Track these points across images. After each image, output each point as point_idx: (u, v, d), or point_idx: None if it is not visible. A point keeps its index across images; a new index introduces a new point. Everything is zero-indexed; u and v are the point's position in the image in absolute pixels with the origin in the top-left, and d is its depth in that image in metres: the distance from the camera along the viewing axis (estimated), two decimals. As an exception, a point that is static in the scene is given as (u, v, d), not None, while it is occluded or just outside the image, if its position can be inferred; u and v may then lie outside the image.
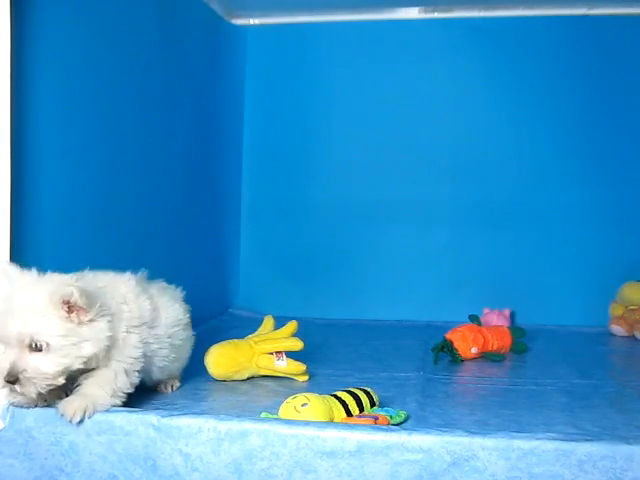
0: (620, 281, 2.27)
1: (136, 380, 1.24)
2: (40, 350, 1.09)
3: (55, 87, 1.39)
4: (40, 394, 1.12)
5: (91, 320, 1.12)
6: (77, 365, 1.12)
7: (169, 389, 1.44)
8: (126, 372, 1.21)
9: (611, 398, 1.46)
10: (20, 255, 1.25)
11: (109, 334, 1.15)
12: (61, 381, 1.12)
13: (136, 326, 1.23)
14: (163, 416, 1.16)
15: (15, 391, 1.10)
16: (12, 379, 1.08)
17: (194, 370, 1.61)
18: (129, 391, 1.22)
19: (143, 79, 1.80)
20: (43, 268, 1.33)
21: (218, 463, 1.13)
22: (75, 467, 1.17)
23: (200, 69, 2.22)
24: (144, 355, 1.24)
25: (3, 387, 1.10)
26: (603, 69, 2.36)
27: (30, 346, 1.09)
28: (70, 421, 1.13)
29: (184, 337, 1.41)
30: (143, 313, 1.25)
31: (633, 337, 2.18)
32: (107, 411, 1.18)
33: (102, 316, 1.14)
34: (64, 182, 1.43)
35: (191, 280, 2.18)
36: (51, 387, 1.12)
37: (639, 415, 1.32)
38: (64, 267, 1.41)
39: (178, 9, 2.02)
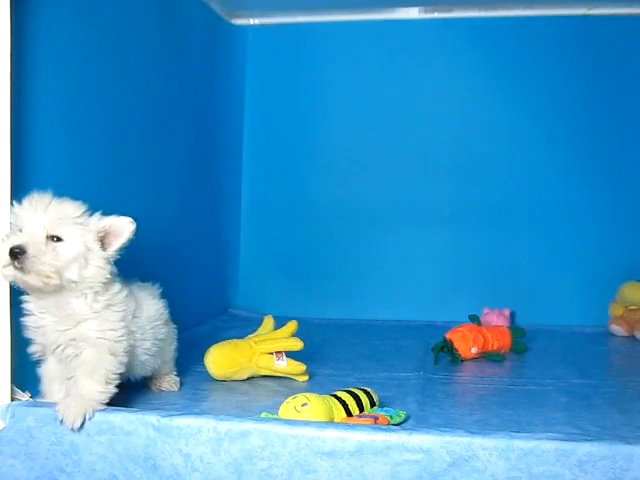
0: (620, 281, 2.27)
1: (124, 359, 1.24)
2: (56, 242, 1.16)
3: (54, 88, 1.39)
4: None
5: (106, 257, 1.21)
6: (73, 275, 1.17)
7: (172, 386, 1.47)
8: (111, 352, 1.22)
9: (611, 398, 1.46)
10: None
11: (107, 277, 1.21)
12: (55, 280, 1.15)
13: (119, 305, 1.25)
14: (163, 416, 1.16)
15: (15, 268, 1.12)
16: (19, 250, 1.11)
17: (194, 370, 1.61)
18: (120, 371, 1.24)
19: (143, 79, 1.80)
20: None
21: (218, 463, 1.13)
22: (76, 467, 1.17)
23: (200, 69, 2.22)
24: (128, 343, 1.26)
25: (6, 265, 1.13)
26: (603, 69, 2.36)
27: (50, 236, 1.15)
28: (72, 428, 1.15)
29: (166, 332, 1.42)
30: (129, 301, 1.28)
31: (633, 337, 2.18)
32: (107, 411, 1.18)
33: (110, 264, 1.23)
34: (63, 181, 1.43)
35: (191, 280, 2.19)
36: (45, 279, 1.14)
37: (639, 415, 1.32)
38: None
39: (178, 9, 2.02)
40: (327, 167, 2.52)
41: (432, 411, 1.33)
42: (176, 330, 1.49)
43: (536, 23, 2.38)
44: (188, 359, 1.74)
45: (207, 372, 1.54)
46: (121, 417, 1.16)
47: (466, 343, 1.80)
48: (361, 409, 1.27)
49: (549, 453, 1.06)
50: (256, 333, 1.63)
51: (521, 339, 1.95)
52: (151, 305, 1.37)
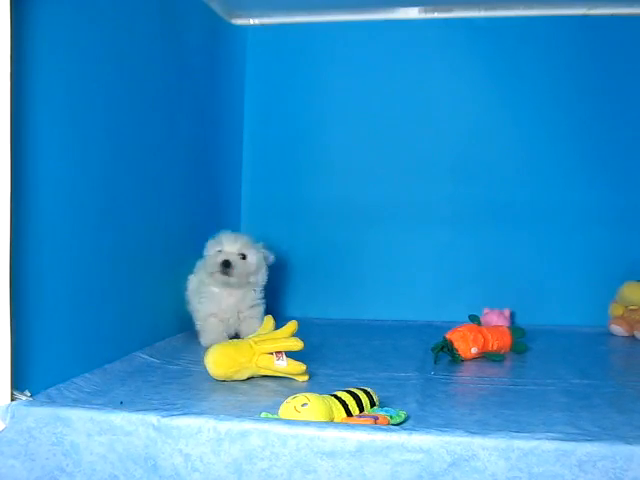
0: (620, 281, 2.27)
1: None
2: (243, 258, 1.95)
3: (54, 87, 1.39)
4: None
5: (266, 268, 2.03)
6: (253, 278, 1.99)
7: None
8: (253, 329, 1.81)
9: (611, 398, 1.46)
10: (19, 253, 1.25)
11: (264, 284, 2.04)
12: (244, 280, 1.96)
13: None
14: (163, 416, 1.16)
15: (226, 274, 1.91)
16: (228, 264, 1.91)
17: (194, 370, 1.61)
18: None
19: (143, 79, 1.80)
20: (42, 265, 1.34)
21: (218, 463, 1.13)
22: (76, 467, 1.17)
23: (200, 69, 2.22)
24: None
25: (216, 271, 1.92)
26: (603, 69, 2.35)
27: (240, 254, 1.94)
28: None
29: None
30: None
31: (633, 337, 2.18)
32: (107, 411, 1.19)
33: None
34: (63, 181, 1.43)
35: (191, 280, 2.18)
36: (240, 280, 1.95)
37: (639, 415, 1.32)
38: (62, 265, 1.42)
39: (178, 9, 2.02)
40: (327, 167, 2.52)
41: (432, 411, 1.33)
42: None
43: (536, 23, 2.38)
44: (188, 359, 1.75)
45: (207, 372, 1.54)
46: (121, 417, 1.17)
47: (466, 343, 1.80)
48: (361, 409, 1.27)
49: (549, 453, 1.06)
50: (256, 333, 1.63)
51: (521, 339, 1.95)
52: None
